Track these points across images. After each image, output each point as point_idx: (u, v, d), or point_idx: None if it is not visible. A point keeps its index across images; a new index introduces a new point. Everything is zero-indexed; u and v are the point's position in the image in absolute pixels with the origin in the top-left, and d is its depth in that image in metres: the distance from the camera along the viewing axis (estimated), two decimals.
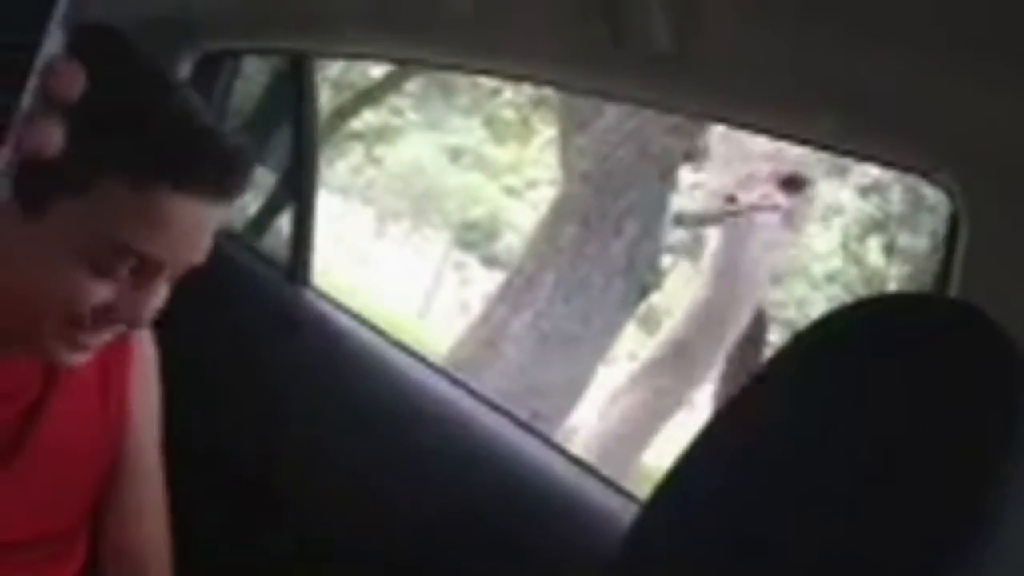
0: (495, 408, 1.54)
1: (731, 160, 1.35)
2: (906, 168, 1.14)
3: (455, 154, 8.60)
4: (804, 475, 0.70)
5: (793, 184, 1.29)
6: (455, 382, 1.59)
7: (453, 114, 7.85)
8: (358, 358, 1.62)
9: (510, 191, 8.43)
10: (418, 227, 9.11)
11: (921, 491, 0.65)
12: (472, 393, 1.58)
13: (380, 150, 7.97)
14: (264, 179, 1.76)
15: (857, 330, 0.75)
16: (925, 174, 1.11)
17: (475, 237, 8.69)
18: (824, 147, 1.21)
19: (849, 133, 1.15)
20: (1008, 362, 0.68)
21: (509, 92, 7.21)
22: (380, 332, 1.64)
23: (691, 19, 1.13)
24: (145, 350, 1.10)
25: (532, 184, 8.01)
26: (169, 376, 1.50)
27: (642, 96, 1.23)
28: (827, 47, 1.10)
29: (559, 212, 3.97)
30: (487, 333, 4.27)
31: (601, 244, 3.62)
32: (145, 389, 1.10)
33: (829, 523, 0.65)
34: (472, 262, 8.56)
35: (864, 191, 5.42)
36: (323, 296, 1.67)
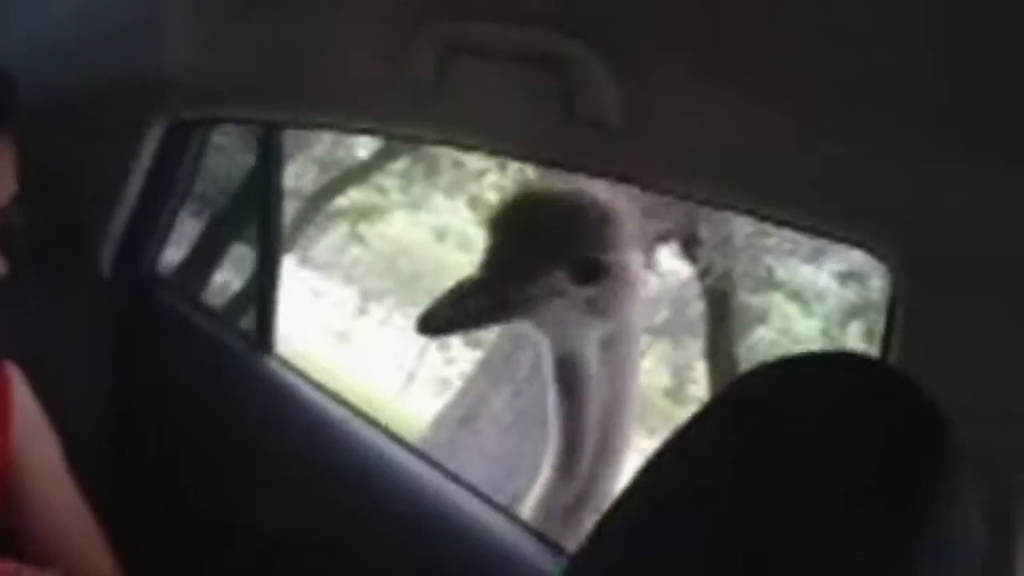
0: (457, 480, 1.54)
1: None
2: (843, 239, 1.17)
3: (440, 234, 8.65)
4: (724, 531, 0.71)
5: (585, 269, 1.28)
6: (414, 451, 1.59)
7: (438, 194, 7.93)
8: (320, 426, 1.62)
9: None
10: (402, 306, 9.11)
11: (828, 549, 0.65)
12: (434, 464, 1.57)
13: (364, 228, 8.02)
14: (234, 249, 1.78)
15: (774, 388, 0.76)
16: (862, 245, 1.14)
17: None
18: (763, 218, 1.23)
19: (789, 204, 1.18)
20: (924, 421, 0.70)
21: (494, 175, 7.30)
22: (343, 401, 1.65)
23: (639, 93, 1.16)
24: (21, 400, 1.12)
25: None
26: (134, 439, 1.50)
27: (593, 167, 1.26)
28: (768, 120, 1.14)
29: None
30: (464, 411, 4.26)
31: None
32: (30, 437, 1.11)
33: None
34: (455, 342, 8.54)
35: (843, 278, 5.47)
36: (286, 364, 1.68)
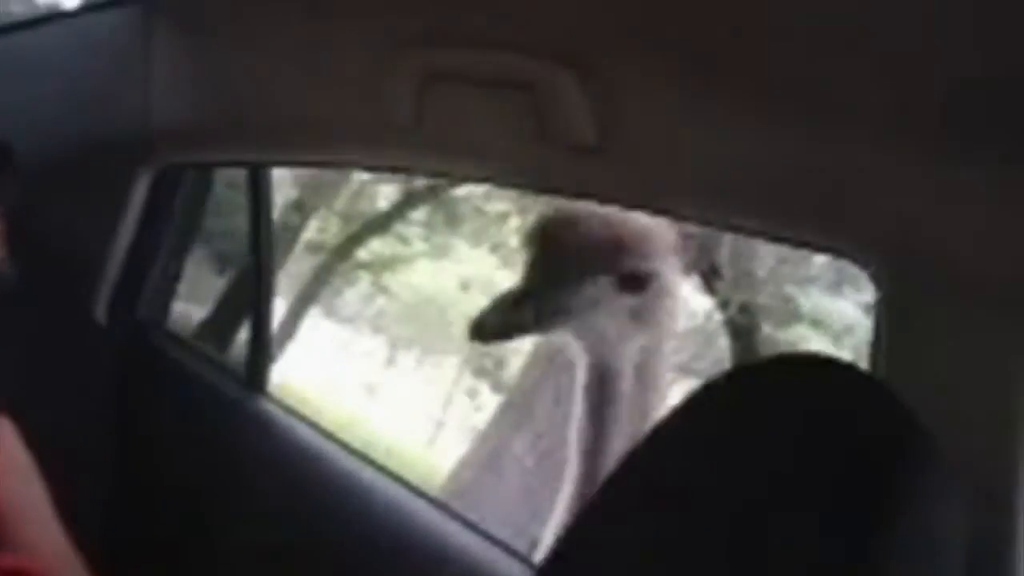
0: (456, 517, 1.52)
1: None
2: (829, 251, 1.15)
3: (465, 282, 8.67)
4: (692, 536, 0.68)
5: (630, 280, 1.26)
6: (416, 491, 1.57)
7: (460, 242, 7.95)
8: (314, 465, 1.61)
9: None
10: (429, 354, 9.12)
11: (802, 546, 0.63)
12: (433, 503, 1.55)
13: (388, 279, 8.06)
14: (226, 289, 1.78)
15: (744, 390, 0.74)
16: (848, 256, 1.11)
17: (486, 363, 8.68)
18: (750, 233, 1.21)
19: (773, 217, 1.16)
20: (893, 419, 0.68)
21: (515, 219, 7.31)
22: (337, 441, 1.63)
23: (615, 111, 1.15)
24: (7, 446, 1.12)
25: None
26: (129, 482, 1.49)
27: (571, 189, 1.25)
28: (748, 134, 1.12)
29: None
30: (487, 455, 4.22)
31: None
32: (18, 483, 1.13)
33: None
34: (484, 388, 8.52)
35: (868, 309, 5.41)
36: (280, 404, 1.67)
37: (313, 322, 8.21)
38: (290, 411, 1.65)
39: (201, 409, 1.65)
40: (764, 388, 0.74)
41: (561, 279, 1.38)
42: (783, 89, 1.06)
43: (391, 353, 9.05)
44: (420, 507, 1.53)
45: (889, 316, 1.05)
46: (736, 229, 1.22)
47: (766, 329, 5.02)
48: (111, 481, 1.58)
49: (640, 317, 1.41)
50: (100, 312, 1.65)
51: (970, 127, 0.95)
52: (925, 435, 0.67)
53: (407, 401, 8.59)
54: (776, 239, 1.22)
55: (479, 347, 8.86)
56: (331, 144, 1.42)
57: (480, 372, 8.57)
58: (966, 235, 1.01)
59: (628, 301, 1.39)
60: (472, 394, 8.48)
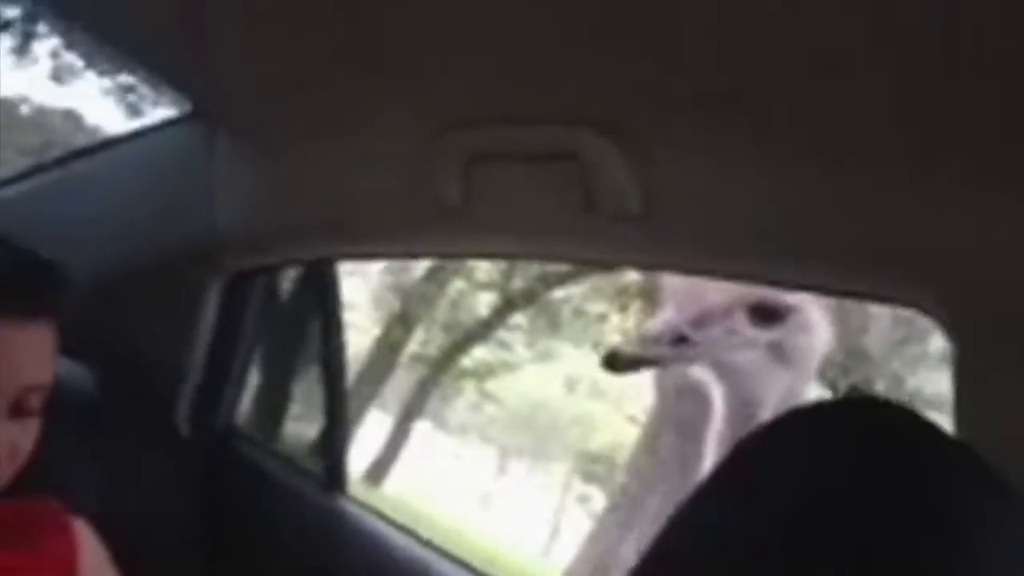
0: None
1: (679, 294, 1.28)
2: (899, 302, 1.09)
3: (571, 384, 8.61)
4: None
5: (764, 312, 1.21)
6: None
7: (562, 344, 7.93)
8: (398, 566, 1.58)
9: (632, 419, 8.34)
10: (539, 461, 9.03)
11: None
12: None
13: (492, 385, 8.07)
14: (303, 392, 1.79)
15: (805, 434, 0.69)
16: (919, 307, 1.05)
17: (598, 468, 8.54)
18: (814, 289, 1.16)
19: (839, 273, 1.11)
20: (952, 460, 0.63)
21: (616, 317, 7.28)
22: (420, 539, 1.60)
23: (659, 176, 1.13)
24: (89, 553, 1.13)
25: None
26: None
27: (619, 258, 1.23)
28: (805, 188, 1.08)
29: (656, 423, 3.89)
30: (596, 559, 4.11)
31: (698, 446, 3.49)
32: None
33: None
34: (596, 494, 8.36)
35: None
36: (359, 504, 1.65)
37: (423, 434, 8.25)
38: (372, 511, 1.64)
39: (283, 512, 1.65)
40: (820, 429, 0.69)
41: (700, 311, 1.36)
42: (841, 138, 1.02)
43: (501, 461, 9.00)
44: None
45: (963, 369, 0.99)
46: (799, 287, 1.17)
47: None
48: None
49: (782, 353, 1.37)
50: (181, 419, 1.68)
51: None
52: (1002, 489, 0.62)
53: (520, 509, 8.49)
54: (845, 294, 1.17)
55: (588, 453, 8.73)
56: (386, 232, 1.44)
57: (590, 477, 8.44)
58: None
59: (767, 335, 1.36)
60: (583, 500, 8.34)
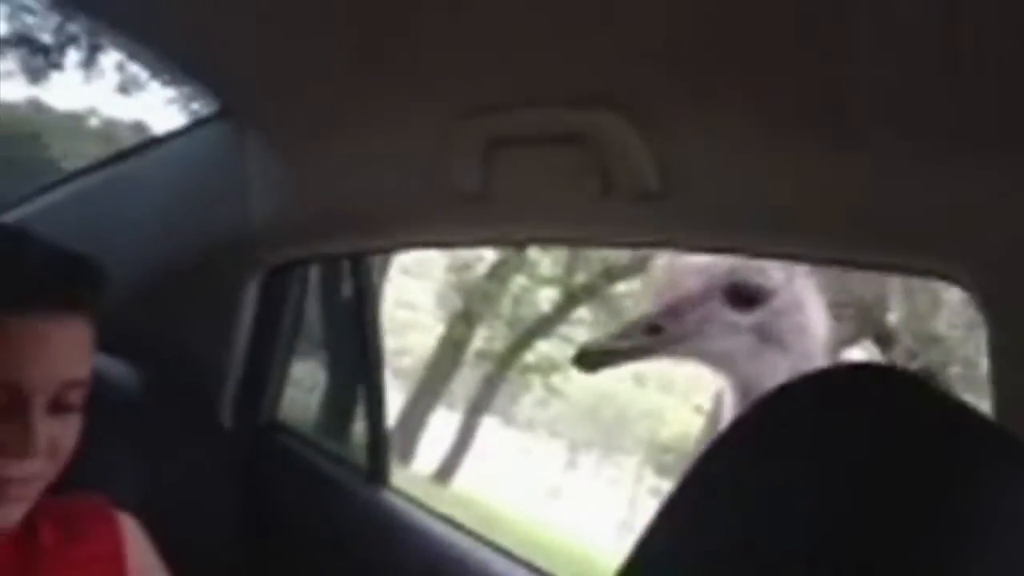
0: None
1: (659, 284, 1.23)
2: (921, 273, 1.05)
3: (639, 378, 8.56)
4: (761, 546, 0.62)
5: (741, 296, 1.15)
6: None
7: None
8: (441, 557, 1.57)
9: (697, 409, 8.26)
10: (609, 455, 8.99)
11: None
12: None
13: (558, 381, 8.05)
14: (342, 384, 1.80)
15: (814, 400, 0.68)
16: (944, 277, 1.02)
17: (668, 460, 8.48)
18: (841, 263, 1.13)
19: (864, 245, 1.08)
20: (973, 433, 0.61)
21: None
22: (464, 530, 1.60)
23: (675, 153, 1.11)
24: (136, 548, 1.13)
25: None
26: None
27: (636, 238, 1.21)
28: (822, 160, 1.06)
29: (716, 417, 3.84)
30: None
31: None
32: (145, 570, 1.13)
33: None
34: (667, 486, 8.30)
35: None
36: (403, 496, 1.66)
37: (491, 430, 8.27)
38: (414, 501, 1.64)
39: (326, 505, 1.66)
40: (830, 394, 0.68)
41: (674, 301, 1.33)
42: (863, 111, 0.99)
43: (571, 456, 8.98)
44: None
45: (996, 344, 0.95)
46: (818, 261, 1.14)
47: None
48: None
49: (770, 334, 1.33)
50: (224, 414, 1.70)
51: None
52: (1008, 443, 0.60)
53: (591, 504, 8.46)
54: (866, 266, 1.13)
55: (660, 444, 8.67)
56: (413, 222, 1.44)
57: (662, 470, 8.38)
58: None
59: (748, 318, 1.32)
60: (655, 493, 8.27)
